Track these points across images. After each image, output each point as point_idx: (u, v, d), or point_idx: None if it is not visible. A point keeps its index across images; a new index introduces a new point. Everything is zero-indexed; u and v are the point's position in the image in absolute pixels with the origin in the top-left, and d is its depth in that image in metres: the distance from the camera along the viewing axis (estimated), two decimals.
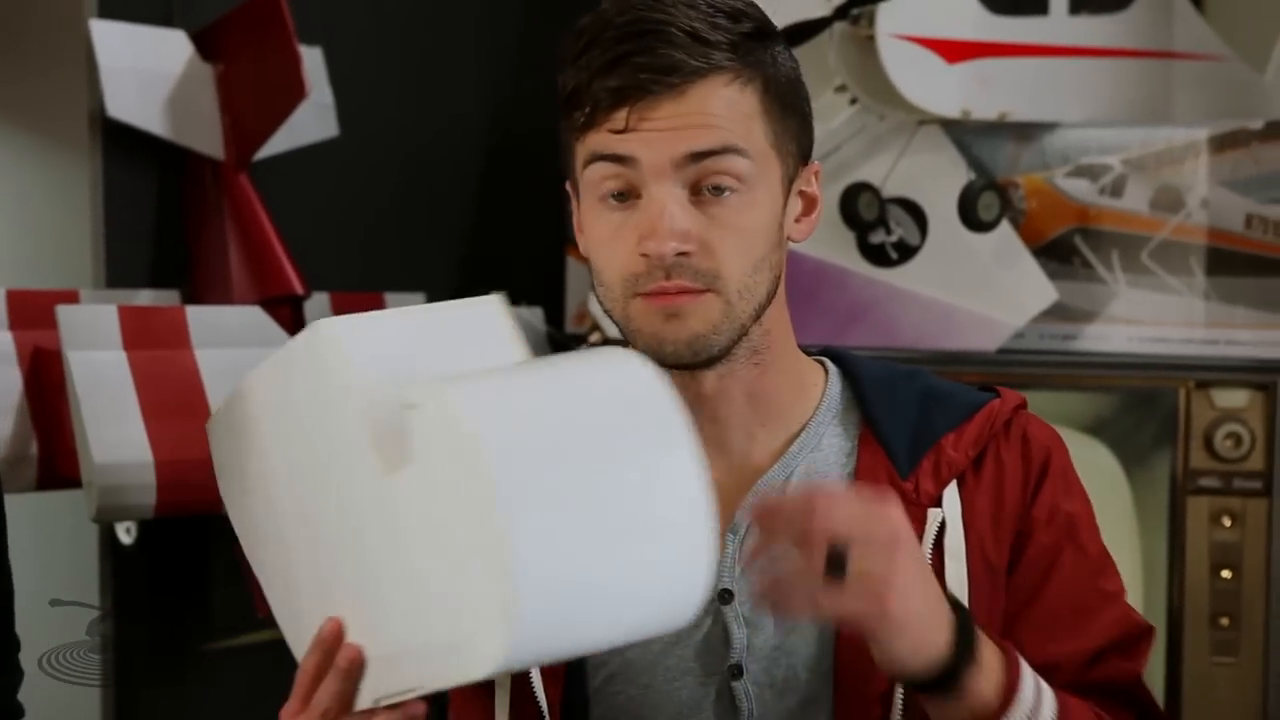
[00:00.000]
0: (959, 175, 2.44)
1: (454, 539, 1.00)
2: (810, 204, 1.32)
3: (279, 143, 2.47)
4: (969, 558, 1.26)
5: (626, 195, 1.23)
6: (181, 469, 2.05)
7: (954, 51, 2.37)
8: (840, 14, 2.34)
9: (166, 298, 2.40)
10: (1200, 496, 2.38)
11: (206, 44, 2.42)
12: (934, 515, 1.25)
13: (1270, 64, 2.68)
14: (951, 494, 1.26)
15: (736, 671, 1.26)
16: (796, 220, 1.30)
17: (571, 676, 1.28)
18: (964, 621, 1.13)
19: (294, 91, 2.32)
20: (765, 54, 1.26)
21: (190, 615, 2.48)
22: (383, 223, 2.82)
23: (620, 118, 1.21)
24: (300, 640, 1.19)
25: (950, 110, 2.38)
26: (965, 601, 1.24)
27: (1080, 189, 2.46)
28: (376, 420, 1.07)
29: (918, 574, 1.11)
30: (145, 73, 2.36)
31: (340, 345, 1.10)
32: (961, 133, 2.46)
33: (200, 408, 2.09)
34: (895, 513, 1.11)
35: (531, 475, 0.97)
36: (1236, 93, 2.59)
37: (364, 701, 1.13)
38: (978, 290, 2.46)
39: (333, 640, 1.13)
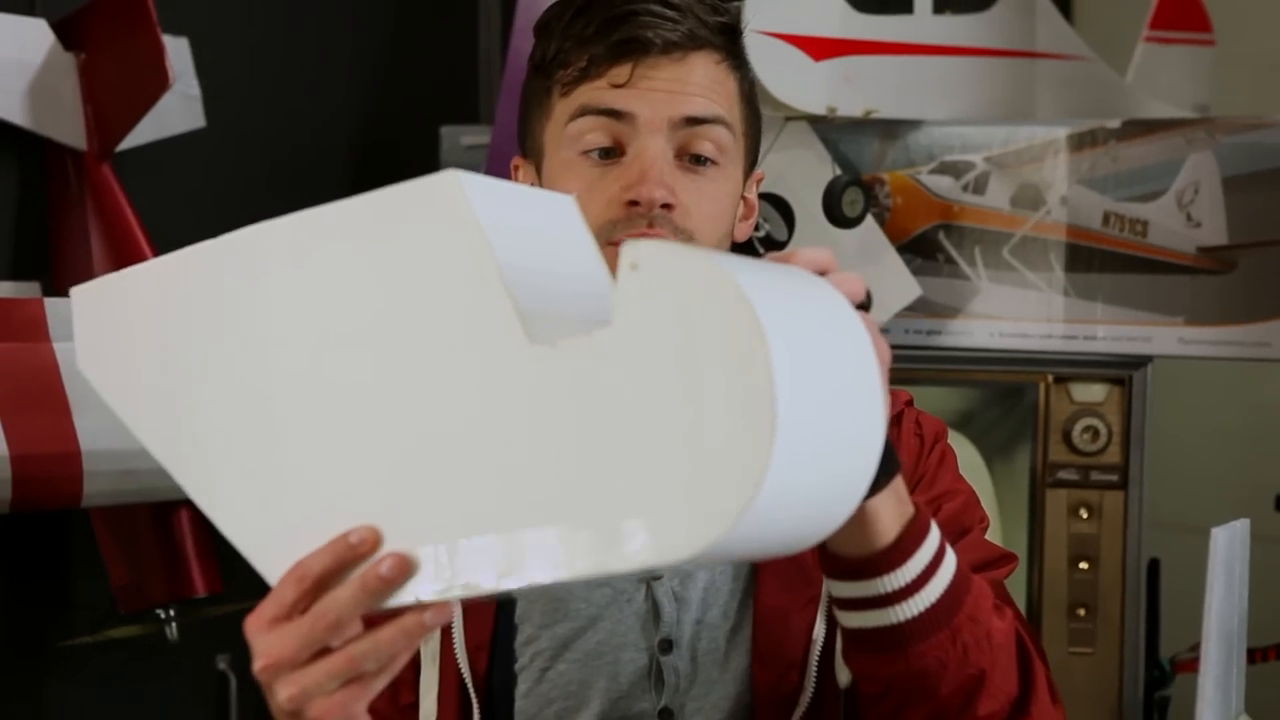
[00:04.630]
0: (825, 172, 2.46)
1: (668, 410, 0.89)
2: (750, 209, 1.38)
3: (143, 133, 2.44)
4: None
5: (612, 151, 1.27)
6: (39, 464, 2.02)
7: (820, 49, 2.39)
8: None
9: (27, 289, 2.36)
10: (1059, 489, 2.42)
11: (69, 33, 2.38)
12: None
13: (1132, 65, 2.73)
14: None
15: (666, 646, 1.28)
16: (740, 220, 1.37)
17: (497, 651, 1.30)
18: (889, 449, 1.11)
19: (157, 82, 2.28)
20: (741, 51, 1.34)
21: (49, 611, 2.44)
22: (252, 217, 2.77)
23: (623, 72, 1.26)
24: (270, 533, 1.04)
25: (816, 107, 2.40)
26: None
27: (944, 186, 2.49)
28: (515, 280, 0.96)
29: None
30: (5, 62, 2.32)
31: (468, 197, 0.97)
32: (828, 130, 2.48)
33: (58, 401, 2.06)
34: None
35: (786, 324, 0.90)
36: (1097, 92, 2.63)
37: (404, 598, 0.99)
38: None
39: (364, 550, 0.99)
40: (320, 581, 1.00)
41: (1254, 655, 2.62)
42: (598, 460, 0.92)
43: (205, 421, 1.08)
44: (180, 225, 2.58)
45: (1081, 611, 2.41)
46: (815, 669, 1.27)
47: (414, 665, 1.30)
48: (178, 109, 2.52)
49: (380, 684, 1.02)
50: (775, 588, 1.29)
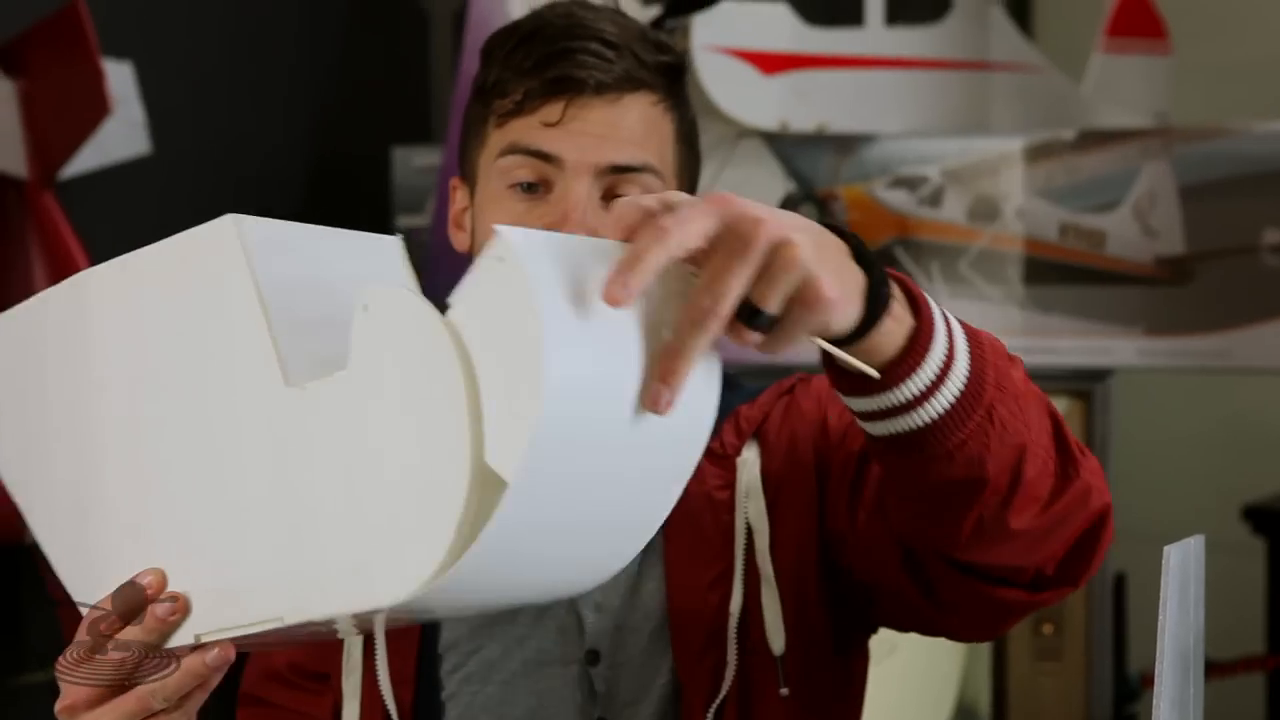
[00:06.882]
0: (779, 188, 2.44)
1: (393, 455, 0.91)
2: None
3: (87, 160, 2.41)
4: (766, 494, 1.27)
5: (537, 187, 1.25)
6: None
7: (770, 63, 2.37)
8: (655, 27, 2.33)
9: None
10: None
11: (8, 60, 2.35)
12: (740, 463, 1.28)
13: (1087, 75, 2.72)
14: (751, 444, 1.29)
15: (593, 658, 1.27)
16: None
17: (423, 680, 1.27)
18: (869, 263, 0.97)
19: (97, 108, 2.26)
20: (682, 90, 1.31)
21: (3, 650, 2.41)
22: None
23: (554, 111, 1.24)
24: (92, 573, 1.08)
25: (768, 122, 2.38)
26: (767, 533, 1.25)
27: (900, 200, 2.47)
28: (285, 324, 0.98)
29: (820, 246, 0.92)
30: None
31: (241, 241, 0.99)
32: (783, 145, 2.46)
33: None
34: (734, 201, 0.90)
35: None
36: (1053, 103, 2.62)
37: (182, 638, 1.04)
38: None
39: (150, 593, 1.04)
40: (114, 624, 1.04)
41: (1221, 669, 2.61)
42: (338, 503, 0.94)
43: (48, 456, 1.13)
44: (128, 253, 2.55)
45: (1048, 628, 2.38)
46: (735, 642, 1.26)
47: (333, 705, 1.29)
48: (121, 135, 2.49)
49: None
50: (682, 569, 1.28)
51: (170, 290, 1.04)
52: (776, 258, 0.89)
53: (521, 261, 0.85)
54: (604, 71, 1.24)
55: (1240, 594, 2.82)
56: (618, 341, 0.89)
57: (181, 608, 1.03)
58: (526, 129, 1.26)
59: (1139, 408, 2.88)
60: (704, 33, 2.32)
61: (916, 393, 1.00)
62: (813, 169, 2.48)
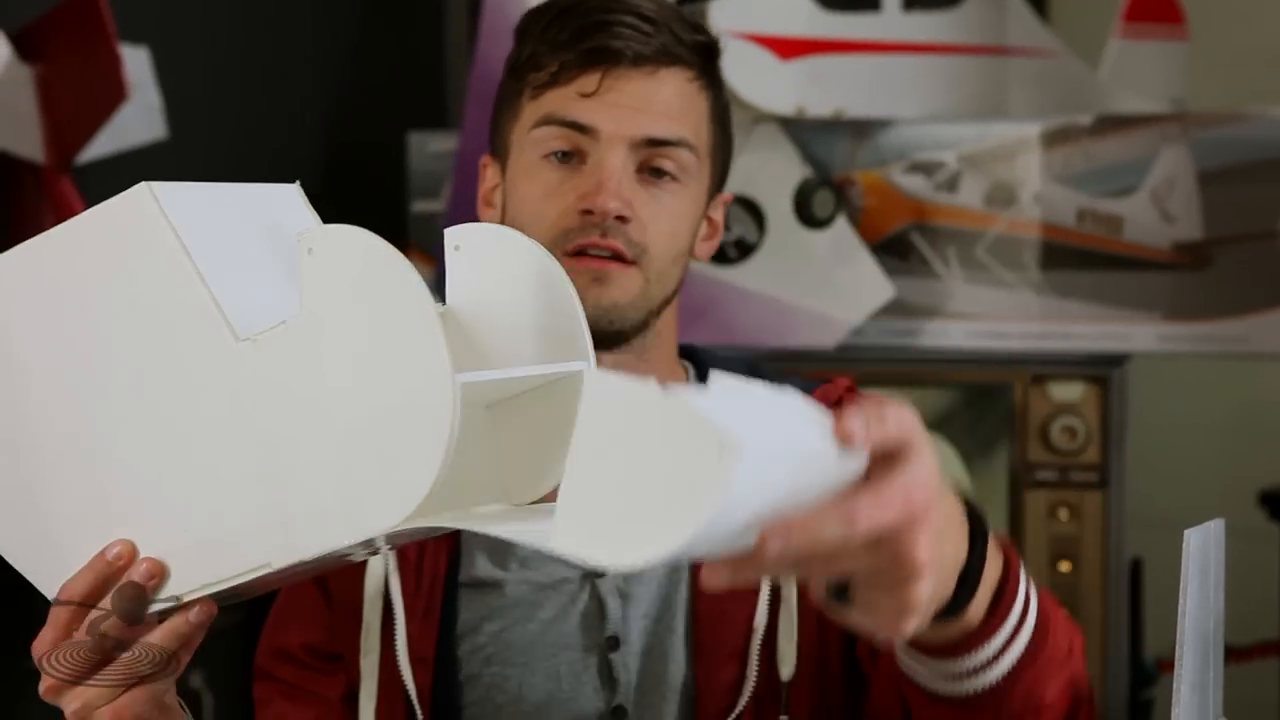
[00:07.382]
0: (796, 173, 2.44)
1: (370, 386, 0.92)
2: (713, 229, 1.38)
3: (104, 145, 2.41)
4: None
5: (571, 156, 1.27)
6: None
7: (787, 48, 2.37)
8: None
9: None
10: (1038, 490, 2.40)
11: (25, 45, 2.35)
12: None
13: (1104, 60, 2.71)
14: None
15: (614, 644, 1.27)
16: (702, 239, 1.36)
17: (442, 661, 1.28)
18: (974, 547, 0.97)
19: (114, 93, 2.26)
20: (717, 71, 1.33)
21: (16, 631, 2.41)
22: None
23: (591, 81, 1.26)
24: (55, 558, 1.08)
25: (784, 108, 2.38)
26: None
27: (916, 185, 2.46)
28: (219, 282, 1.00)
29: (941, 582, 0.91)
30: None
31: (161, 208, 1.01)
32: (799, 130, 2.46)
33: None
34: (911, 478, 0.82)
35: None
36: (1070, 89, 2.61)
37: (163, 602, 1.05)
38: (816, 288, 2.46)
39: (121, 563, 1.04)
40: (86, 599, 1.05)
41: (1237, 654, 2.61)
42: (316, 444, 0.95)
43: None
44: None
45: None
46: (756, 659, 1.26)
47: (346, 685, 1.30)
48: (138, 119, 2.49)
49: (165, 683, 1.07)
50: None
51: (92, 266, 1.05)
52: (899, 584, 0.83)
53: (733, 470, 0.74)
54: (641, 44, 1.25)
55: (1256, 580, 2.82)
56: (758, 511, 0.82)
57: (158, 572, 1.04)
58: (562, 100, 1.27)
59: (1156, 393, 2.88)
60: (721, 17, 2.31)
61: (951, 673, 1.02)
62: (829, 154, 2.48)
